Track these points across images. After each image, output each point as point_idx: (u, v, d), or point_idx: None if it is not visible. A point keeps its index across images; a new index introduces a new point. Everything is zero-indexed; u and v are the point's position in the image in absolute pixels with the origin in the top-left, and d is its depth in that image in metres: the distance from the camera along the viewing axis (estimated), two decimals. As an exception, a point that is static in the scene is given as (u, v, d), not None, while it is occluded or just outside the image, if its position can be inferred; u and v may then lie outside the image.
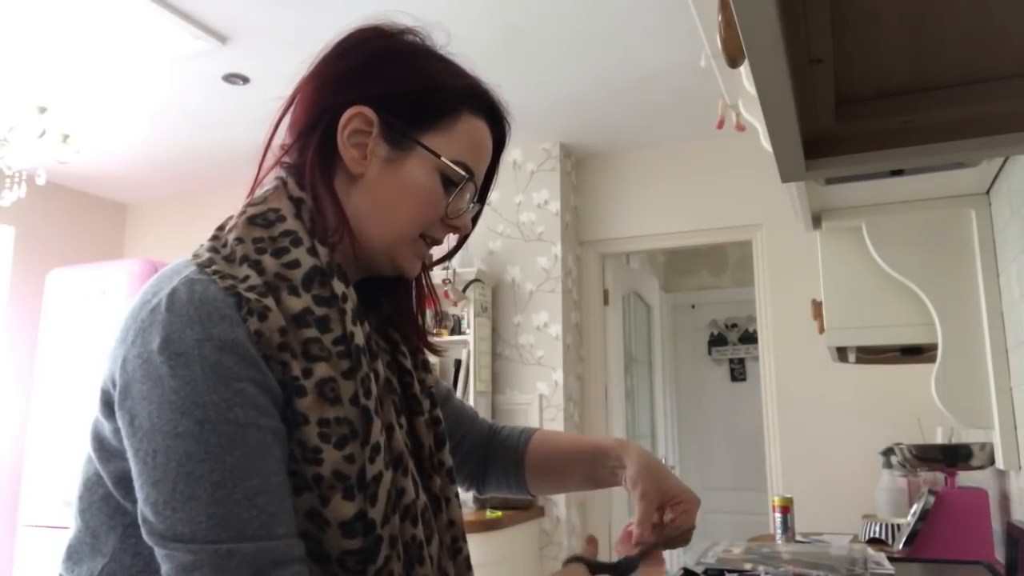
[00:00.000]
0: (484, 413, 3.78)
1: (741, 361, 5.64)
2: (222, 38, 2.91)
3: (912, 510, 2.03)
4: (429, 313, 0.97)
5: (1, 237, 4.29)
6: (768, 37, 0.63)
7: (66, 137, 3.43)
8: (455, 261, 3.82)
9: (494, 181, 0.93)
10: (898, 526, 2.08)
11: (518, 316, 3.96)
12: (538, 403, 3.83)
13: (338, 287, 0.74)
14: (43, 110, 3.41)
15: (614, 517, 3.99)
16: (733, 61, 0.86)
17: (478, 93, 0.86)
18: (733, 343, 5.70)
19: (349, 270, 0.80)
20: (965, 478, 2.18)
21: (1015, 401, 1.76)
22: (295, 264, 0.73)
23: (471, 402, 3.70)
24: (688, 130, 3.84)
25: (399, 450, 0.77)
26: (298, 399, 0.69)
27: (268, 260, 0.72)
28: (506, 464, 1.06)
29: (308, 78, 0.82)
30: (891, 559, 1.64)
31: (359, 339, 0.74)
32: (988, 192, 1.88)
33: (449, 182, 0.82)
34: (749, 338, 5.49)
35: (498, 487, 1.09)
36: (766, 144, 1.19)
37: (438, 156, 0.80)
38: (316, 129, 0.80)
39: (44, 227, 4.47)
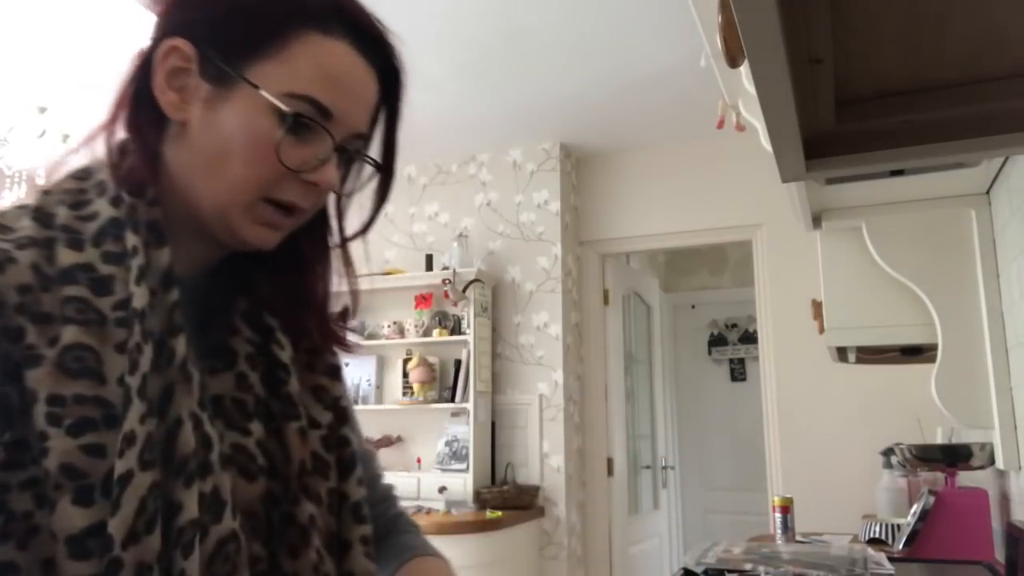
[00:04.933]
0: (484, 413, 3.78)
1: (741, 361, 5.64)
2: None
3: (912, 510, 2.03)
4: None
5: (1, 237, 4.28)
6: (768, 37, 0.63)
7: (66, 137, 3.43)
8: (455, 261, 3.83)
9: (397, 127, 0.75)
10: (898, 526, 2.08)
11: (518, 316, 3.96)
12: (538, 403, 3.83)
13: (130, 240, 0.62)
14: (43, 110, 3.41)
15: (614, 517, 3.99)
16: (733, 61, 0.86)
17: (325, 4, 0.67)
18: (733, 343, 5.69)
19: (188, 235, 0.68)
20: (965, 478, 2.18)
21: (1015, 401, 1.76)
22: (93, 216, 0.63)
23: (471, 403, 3.70)
24: (688, 130, 3.84)
25: (184, 452, 0.59)
26: (29, 371, 0.55)
27: (63, 211, 0.63)
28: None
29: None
30: (891, 559, 1.64)
31: (138, 301, 0.60)
32: (988, 192, 1.88)
33: (298, 125, 0.65)
34: (749, 338, 5.49)
35: None
36: (766, 144, 1.19)
37: (256, 87, 0.64)
38: (138, 70, 0.68)
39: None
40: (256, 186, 0.66)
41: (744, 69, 1.23)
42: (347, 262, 0.77)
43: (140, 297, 0.60)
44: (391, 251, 4.29)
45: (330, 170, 0.68)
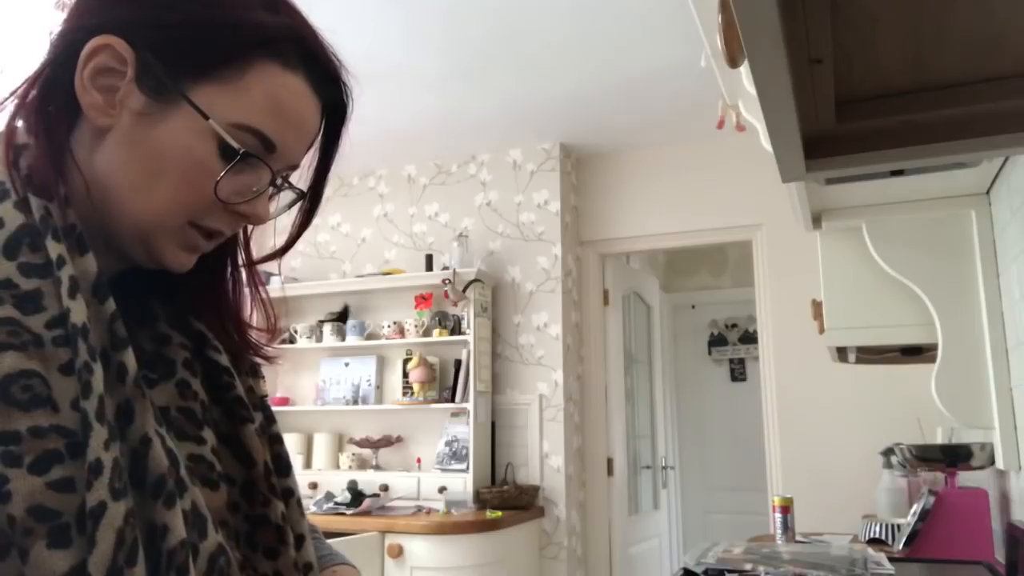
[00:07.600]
0: (484, 413, 3.78)
1: (741, 361, 5.64)
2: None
3: (912, 510, 2.04)
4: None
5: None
6: (768, 37, 0.63)
7: None
8: (455, 261, 3.83)
9: (333, 161, 0.71)
10: (898, 526, 2.08)
11: (518, 316, 3.96)
12: (538, 403, 3.83)
13: (54, 249, 0.55)
14: None
15: (614, 517, 3.99)
16: (733, 61, 0.86)
17: (289, 36, 0.63)
18: (733, 343, 5.69)
19: (95, 242, 0.61)
20: (965, 478, 2.18)
21: (1015, 401, 1.76)
22: None
23: (471, 403, 3.70)
24: (688, 130, 3.84)
25: (159, 471, 0.55)
26: None
27: None
28: None
29: None
30: (891, 559, 1.64)
31: (76, 317, 0.54)
32: (988, 192, 1.88)
33: (237, 156, 0.61)
34: (749, 338, 5.49)
35: None
36: (766, 144, 1.19)
37: (206, 118, 0.60)
38: (53, 57, 0.62)
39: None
40: (184, 210, 0.62)
41: (744, 69, 1.23)
42: (258, 281, 0.75)
43: (79, 312, 0.54)
44: (391, 251, 4.29)
45: (263, 203, 0.66)
